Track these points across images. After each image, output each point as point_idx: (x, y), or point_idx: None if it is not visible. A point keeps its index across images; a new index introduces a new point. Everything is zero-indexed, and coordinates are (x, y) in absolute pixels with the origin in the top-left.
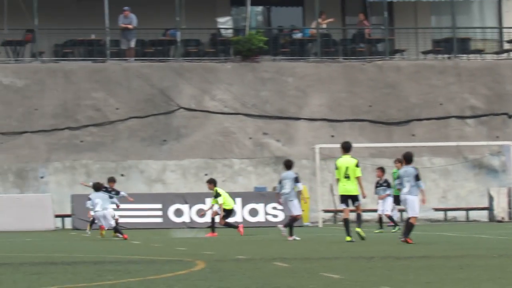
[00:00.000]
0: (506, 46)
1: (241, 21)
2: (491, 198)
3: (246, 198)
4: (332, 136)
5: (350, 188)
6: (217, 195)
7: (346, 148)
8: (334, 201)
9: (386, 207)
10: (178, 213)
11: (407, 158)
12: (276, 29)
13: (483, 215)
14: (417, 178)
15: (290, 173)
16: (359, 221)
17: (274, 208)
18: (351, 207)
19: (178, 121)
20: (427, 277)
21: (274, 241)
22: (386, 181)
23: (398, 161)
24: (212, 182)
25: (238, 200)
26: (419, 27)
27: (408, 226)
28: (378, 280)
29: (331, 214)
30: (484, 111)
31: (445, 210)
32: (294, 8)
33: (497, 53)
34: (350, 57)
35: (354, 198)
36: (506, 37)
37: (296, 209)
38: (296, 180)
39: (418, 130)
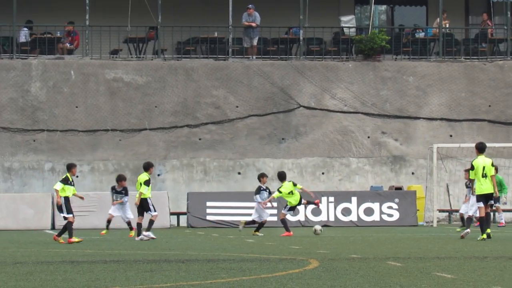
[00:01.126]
0: None
1: (365, 20)
2: None
3: (362, 197)
4: (451, 136)
5: (487, 187)
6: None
7: (482, 148)
8: (449, 200)
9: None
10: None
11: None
12: (398, 28)
13: None
14: None
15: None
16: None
17: (390, 207)
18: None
19: (297, 120)
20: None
21: (388, 240)
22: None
23: None
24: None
25: (354, 199)
26: None
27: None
28: (490, 280)
29: (446, 214)
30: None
31: None
32: (417, 7)
33: None
34: (472, 57)
35: (490, 197)
36: None
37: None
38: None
39: None
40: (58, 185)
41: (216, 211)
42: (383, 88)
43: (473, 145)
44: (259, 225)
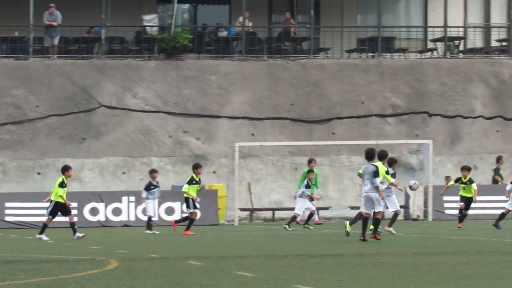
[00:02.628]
0: (430, 45)
1: (167, 18)
2: (407, 196)
3: (163, 196)
4: (253, 134)
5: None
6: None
7: None
8: (251, 199)
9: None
10: (94, 211)
11: (368, 156)
12: (201, 27)
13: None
14: (375, 175)
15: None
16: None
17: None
18: None
19: (98, 119)
20: (340, 275)
21: (188, 240)
22: None
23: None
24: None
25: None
26: (344, 26)
27: (376, 221)
28: (291, 278)
29: (247, 213)
30: (405, 109)
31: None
32: (221, 6)
33: (420, 52)
34: (275, 56)
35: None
36: (430, 36)
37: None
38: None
39: (339, 128)
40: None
41: (15, 211)
42: (186, 87)
43: (275, 143)
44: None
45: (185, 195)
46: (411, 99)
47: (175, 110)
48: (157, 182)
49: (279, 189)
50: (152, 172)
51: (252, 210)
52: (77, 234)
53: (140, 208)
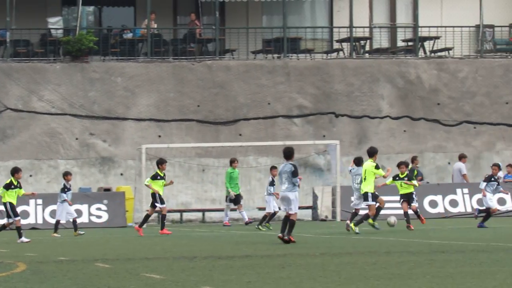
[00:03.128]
0: (336, 45)
1: (72, 21)
2: (315, 197)
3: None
4: (159, 136)
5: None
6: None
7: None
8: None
9: None
10: (1, 214)
11: (286, 155)
12: (107, 29)
13: (307, 214)
14: (294, 174)
15: None
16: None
17: (99, 209)
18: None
19: (4, 122)
20: (249, 276)
21: (97, 242)
22: None
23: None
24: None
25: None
26: (250, 27)
27: (291, 223)
28: (199, 280)
29: (155, 215)
30: (312, 110)
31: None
32: (126, 8)
33: (326, 52)
34: (180, 57)
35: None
36: (336, 37)
37: None
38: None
39: (245, 129)
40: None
41: None
42: (92, 89)
43: (182, 145)
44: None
45: (151, 191)
46: (318, 99)
47: (81, 113)
48: (70, 185)
49: (187, 191)
50: (67, 174)
51: (160, 212)
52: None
53: (48, 210)
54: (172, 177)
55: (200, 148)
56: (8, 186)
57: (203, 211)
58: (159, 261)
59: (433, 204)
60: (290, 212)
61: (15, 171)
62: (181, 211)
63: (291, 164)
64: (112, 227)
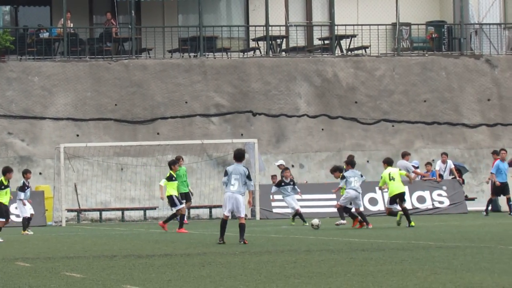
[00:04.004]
0: (252, 44)
1: None
2: None
3: None
4: (77, 135)
5: None
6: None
7: None
8: (78, 200)
9: None
10: None
11: (238, 156)
12: (23, 28)
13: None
14: (249, 178)
15: None
16: None
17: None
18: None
19: None
20: (169, 275)
21: (16, 241)
22: None
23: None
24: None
25: None
26: (166, 26)
27: (243, 227)
28: (120, 278)
29: (74, 213)
30: (229, 109)
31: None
32: (42, 7)
33: (243, 51)
34: (97, 56)
35: None
36: (252, 35)
37: None
38: None
39: (163, 128)
40: None
41: None
42: (9, 88)
43: (100, 144)
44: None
45: (167, 193)
46: (235, 98)
47: None
48: (29, 183)
49: (106, 190)
50: (26, 172)
51: (79, 211)
52: None
53: None
54: (91, 176)
55: (118, 147)
56: None
57: (123, 209)
58: (79, 260)
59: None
60: (241, 216)
61: (6, 171)
62: (100, 210)
63: (245, 167)
64: (32, 226)
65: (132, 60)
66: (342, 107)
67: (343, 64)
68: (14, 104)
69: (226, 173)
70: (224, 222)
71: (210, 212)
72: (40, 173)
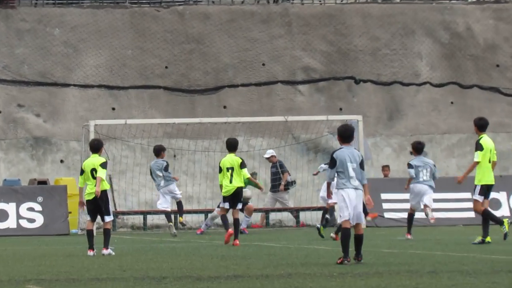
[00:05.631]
0: None
1: None
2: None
3: None
4: (113, 108)
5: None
6: None
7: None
8: (114, 199)
9: None
10: None
11: (344, 135)
12: None
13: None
14: (362, 166)
15: None
16: None
17: (31, 209)
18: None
19: None
20: None
21: (27, 257)
22: None
23: None
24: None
25: None
26: None
27: (360, 240)
28: None
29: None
30: (323, 74)
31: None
32: None
33: None
34: (141, 1)
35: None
36: None
37: None
38: None
39: (232, 100)
40: None
41: None
42: (20, 44)
43: (145, 121)
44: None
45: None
46: (331, 59)
47: (5, 76)
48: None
49: (152, 185)
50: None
51: (115, 215)
52: None
53: None
54: (132, 165)
55: (170, 125)
56: None
57: (175, 213)
58: (114, 283)
59: (496, 204)
60: (362, 222)
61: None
62: (144, 213)
63: (357, 149)
64: (49, 235)
65: (189, 6)
66: (479, 73)
67: (479, 13)
68: (27, 66)
69: (333, 161)
70: (348, 232)
71: (298, 216)
72: (61, 161)
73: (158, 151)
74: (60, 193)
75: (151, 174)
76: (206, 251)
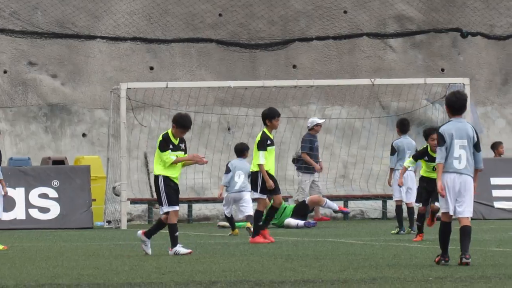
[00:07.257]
0: None
1: None
2: None
3: None
4: (151, 68)
5: None
6: None
7: None
8: (150, 183)
9: None
10: None
11: (456, 105)
12: None
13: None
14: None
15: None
16: None
17: (44, 196)
18: None
19: None
20: None
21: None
22: None
23: None
24: None
25: None
26: None
27: (467, 234)
28: None
29: (144, 207)
30: (420, 24)
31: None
32: None
33: None
34: None
35: None
36: None
37: None
38: None
39: (303, 57)
40: None
41: None
42: None
43: (192, 84)
44: None
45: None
46: (432, 6)
47: (13, 26)
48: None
49: (200, 166)
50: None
51: (151, 203)
52: None
53: None
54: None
55: (223, 89)
56: None
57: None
58: None
59: None
60: (465, 216)
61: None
62: (190, 201)
63: (470, 124)
64: (68, 229)
65: None
66: None
67: None
68: (41, 13)
69: (442, 138)
70: (447, 227)
71: (384, 206)
72: (83, 135)
73: (242, 151)
74: (82, 175)
75: (227, 171)
76: (267, 249)
